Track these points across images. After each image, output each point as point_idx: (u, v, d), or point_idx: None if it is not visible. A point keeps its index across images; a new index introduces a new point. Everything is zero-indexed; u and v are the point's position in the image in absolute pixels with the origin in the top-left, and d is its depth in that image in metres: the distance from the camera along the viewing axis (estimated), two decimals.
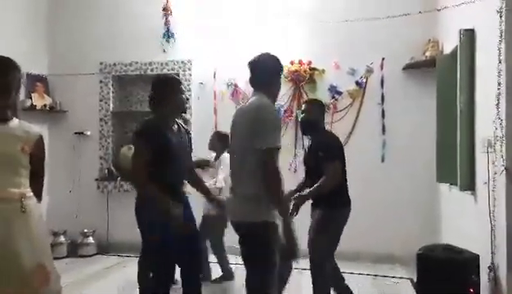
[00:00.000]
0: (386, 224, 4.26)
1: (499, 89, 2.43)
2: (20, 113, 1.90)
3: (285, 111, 4.49)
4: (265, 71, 2.08)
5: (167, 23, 4.61)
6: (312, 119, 2.80)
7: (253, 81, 2.10)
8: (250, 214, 1.94)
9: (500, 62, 2.42)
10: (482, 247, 2.60)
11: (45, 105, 4.72)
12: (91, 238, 4.64)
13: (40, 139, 1.88)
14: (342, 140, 3.01)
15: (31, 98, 4.58)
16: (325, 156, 2.63)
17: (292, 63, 4.47)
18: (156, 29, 4.68)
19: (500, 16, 2.40)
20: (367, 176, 4.21)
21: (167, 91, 2.28)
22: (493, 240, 2.51)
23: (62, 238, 4.56)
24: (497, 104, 2.46)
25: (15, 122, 1.83)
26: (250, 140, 1.92)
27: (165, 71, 4.75)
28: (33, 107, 4.55)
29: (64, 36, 4.94)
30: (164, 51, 4.68)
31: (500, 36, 2.40)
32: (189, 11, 4.66)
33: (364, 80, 4.37)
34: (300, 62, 4.46)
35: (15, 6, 4.48)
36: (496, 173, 2.50)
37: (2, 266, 1.66)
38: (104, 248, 4.69)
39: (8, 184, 1.73)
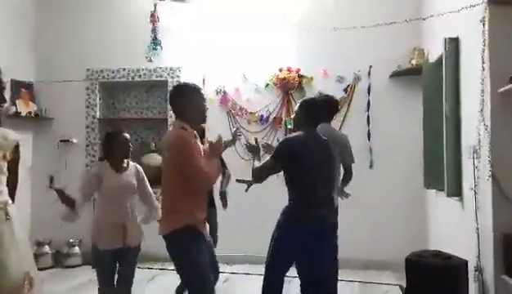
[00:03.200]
0: (375, 231, 4.27)
1: (482, 96, 2.48)
2: (4, 119, 1.87)
3: (274, 118, 4.52)
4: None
5: (154, 31, 4.58)
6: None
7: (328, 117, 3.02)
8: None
9: (483, 70, 2.47)
10: (470, 252, 2.62)
11: (30, 112, 4.63)
12: (77, 248, 4.53)
13: (18, 145, 1.87)
14: None
15: (15, 105, 4.49)
16: None
17: (281, 70, 4.49)
18: (144, 36, 4.64)
19: (483, 25, 2.45)
20: (356, 182, 4.22)
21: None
22: (480, 246, 2.54)
23: (47, 248, 4.46)
24: (481, 111, 2.50)
25: None
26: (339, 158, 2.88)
27: (153, 78, 4.73)
28: (17, 114, 4.46)
29: (50, 42, 4.87)
30: (151, 60, 4.62)
31: (484, 44, 2.45)
32: (177, 17, 4.65)
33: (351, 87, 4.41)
34: (289, 69, 4.49)
35: (1, 12, 4.40)
36: (482, 179, 2.54)
37: None
38: (90, 258, 4.58)
39: None
